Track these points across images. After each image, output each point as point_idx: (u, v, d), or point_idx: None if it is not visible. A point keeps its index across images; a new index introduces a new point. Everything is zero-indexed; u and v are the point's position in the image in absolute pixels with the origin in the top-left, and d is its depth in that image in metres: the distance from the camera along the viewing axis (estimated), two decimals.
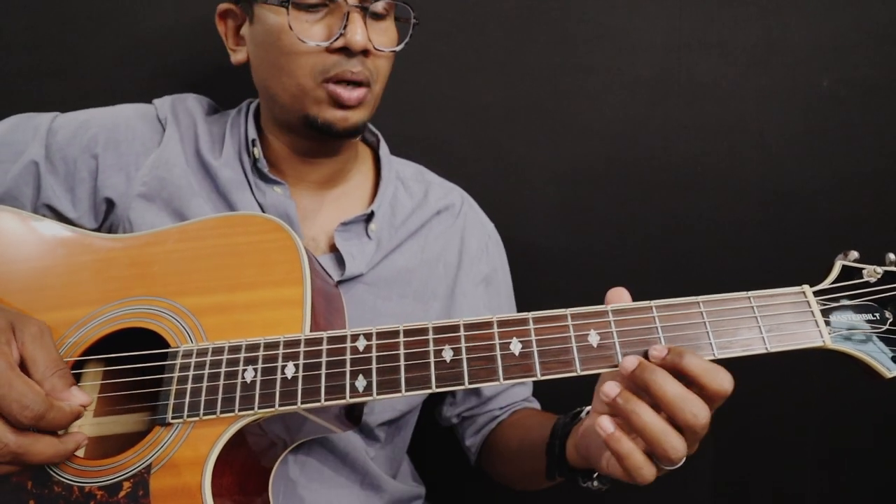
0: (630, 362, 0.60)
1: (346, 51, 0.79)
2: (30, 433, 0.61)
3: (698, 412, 0.57)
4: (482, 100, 1.15)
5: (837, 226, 1.11)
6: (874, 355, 0.61)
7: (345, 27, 0.78)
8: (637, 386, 0.59)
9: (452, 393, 1.00)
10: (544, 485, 0.86)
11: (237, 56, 0.89)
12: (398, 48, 0.85)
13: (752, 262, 1.13)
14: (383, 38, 0.83)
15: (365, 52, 0.80)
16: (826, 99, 1.10)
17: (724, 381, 0.58)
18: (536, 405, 1.01)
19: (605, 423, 0.59)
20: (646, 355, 0.61)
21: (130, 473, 0.64)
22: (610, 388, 0.60)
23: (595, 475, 0.71)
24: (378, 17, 0.83)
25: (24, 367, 0.64)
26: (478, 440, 0.99)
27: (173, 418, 0.65)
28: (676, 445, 0.57)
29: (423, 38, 1.13)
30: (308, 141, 0.88)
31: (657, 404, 0.58)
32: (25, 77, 1.12)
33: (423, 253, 0.95)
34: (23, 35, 1.11)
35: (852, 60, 1.09)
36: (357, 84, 0.82)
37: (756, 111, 1.12)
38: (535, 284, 1.14)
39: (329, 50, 0.80)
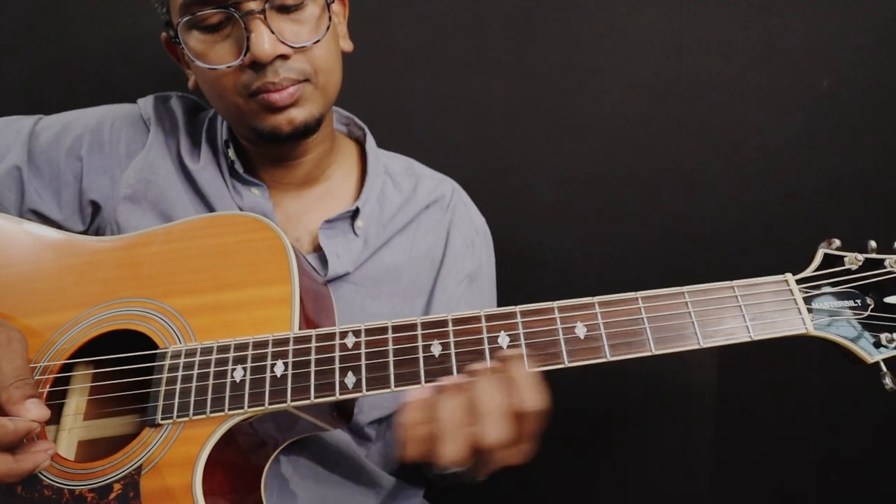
0: (477, 365, 0.62)
1: (258, 64, 0.75)
2: None
3: (492, 432, 0.57)
4: (482, 100, 1.14)
5: (837, 226, 1.09)
6: (856, 341, 0.61)
7: (248, 39, 0.74)
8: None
9: None
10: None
11: (190, 81, 0.87)
12: (320, 36, 0.78)
13: (751, 262, 1.12)
14: (303, 29, 0.77)
15: (283, 56, 0.75)
16: (826, 99, 1.10)
17: (526, 399, 0.58)
18: None
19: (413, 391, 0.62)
20: None
21: (121, 475, 0.64)
22: (449, 379, 0.62)
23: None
24: (289, 8, 0.76)
25: None
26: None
27: (163, 419, 0.65)
28: (450, 452, 0.57)
29: (424, 37, 1.12)
30: (271, 148, 0.86)
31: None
32: (25, 77, 1.12)
33: (412, 250, 0.93)
34: (23, 36, 1.11)
35: (852, 60, 1.09)
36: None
37: (756, 111, 1.11)
38: (534, 284, 1.14)
39: (244, 66, 0.75)
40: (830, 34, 1.09)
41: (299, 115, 0.79)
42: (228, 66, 0.76)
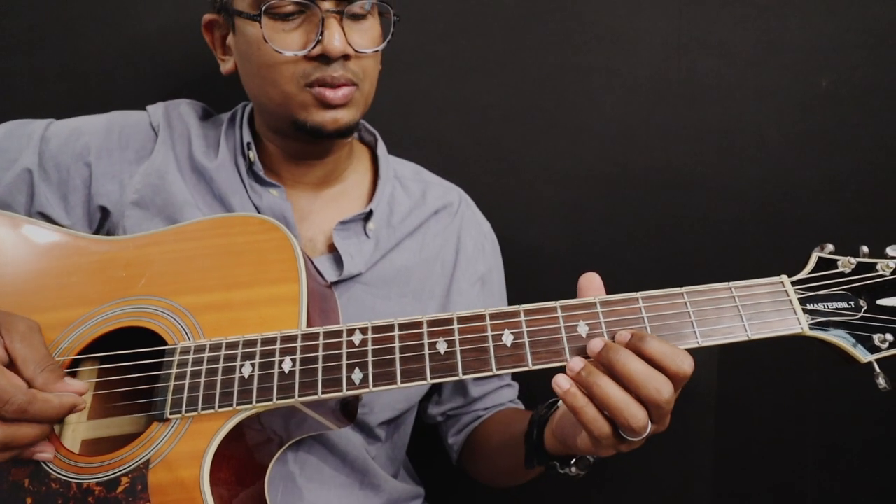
0: (596, 344, 0.63)
1: (325, 57, 0.80)
2: (15, 422, 0.63)
3: (661, 387, 0.59)
4: (482, 100, 1.15)
5: (836, 226, 1.12)
6: (850, 342, 0.63)
7: (321, 33, 0.79)
8: (604, 367, 0.62)
9: (438, 392, 1.01)
10: (523, 478, 0.86)
11: (226, 66, 0.90)
12: (380, 47, 0.85)
13: (750, 262, 1.14)
14: (365, 38, 0.83)
15: (345, 57, 0.81)
16: (825, 99, 1.11)
17: (683, 363, 0.60)
18: (521, 407, 1.02)
19: (561, 380, 0.62)
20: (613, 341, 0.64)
21: (129, 469, 0.65)
22: (575, 363, 0.62)
23: (573, 461, 0.73)
24: (358, 17, 0.83)
25: (13, 366, 0.65)
26: (460, 439, 1.00)
27: (171, 413, 0.66)
28: (637, 414, 0.60)
29: (424, 38, 1.14)
30: (300, 144, 0.89)
31: (623, 384, 0.61)
32: (25, 79, 1.13)
33: (421, 252, 0.96)
34: (23, 37, 1.12)
35: (851, 61, 1.10)
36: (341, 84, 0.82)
37: (755, 111, 1.13)
38: (535, 284, 1.15)
39: (308, 57, 0.80)
40: (830, 34, 1.10)
41: (345, 116, 0.83)
42: (295, 54, 0.80)
